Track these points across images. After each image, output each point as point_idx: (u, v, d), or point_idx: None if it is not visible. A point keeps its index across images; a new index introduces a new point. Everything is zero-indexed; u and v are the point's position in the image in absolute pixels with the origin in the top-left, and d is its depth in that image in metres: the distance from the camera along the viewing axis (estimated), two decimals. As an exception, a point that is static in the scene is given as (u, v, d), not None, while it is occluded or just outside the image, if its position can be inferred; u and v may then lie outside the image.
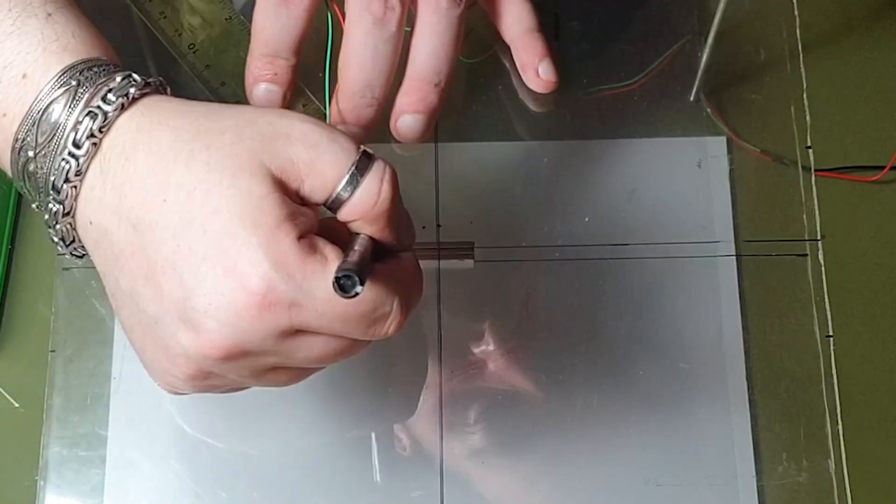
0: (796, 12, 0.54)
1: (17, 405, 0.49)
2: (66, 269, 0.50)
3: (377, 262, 0.34)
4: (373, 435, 0.48)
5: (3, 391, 0.49)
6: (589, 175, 0.51)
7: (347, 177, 0.33)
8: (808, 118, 0.52)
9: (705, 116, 0.52)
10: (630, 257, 0.50)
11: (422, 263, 0.49)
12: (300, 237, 0.32)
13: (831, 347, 0.49)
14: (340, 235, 0.34)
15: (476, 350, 0.49)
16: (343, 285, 0.30)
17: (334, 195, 0.33)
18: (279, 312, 0.31)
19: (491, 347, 0.49)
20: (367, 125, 0.43)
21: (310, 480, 0.47)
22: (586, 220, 0.51)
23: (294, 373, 0.36)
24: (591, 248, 0.50)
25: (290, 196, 0.32)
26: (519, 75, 0.51)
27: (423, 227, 0.50)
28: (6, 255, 0.50)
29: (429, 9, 0.43)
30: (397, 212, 0.34)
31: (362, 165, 0.33)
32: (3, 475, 0.48)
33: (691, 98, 0.53)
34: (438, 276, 0.50)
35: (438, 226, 0.50)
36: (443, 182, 0.51)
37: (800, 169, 0.52)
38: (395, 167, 0.51)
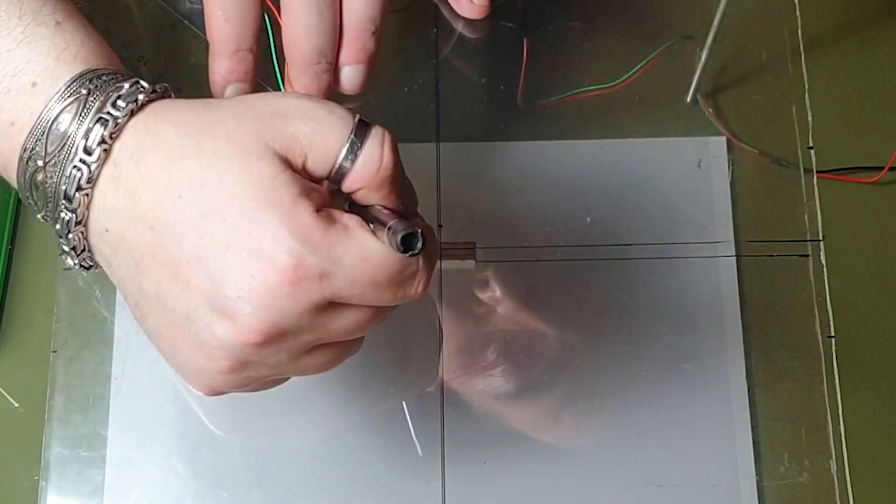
0: (798, 13, 0.54)
1: (17, 406, 0.49)
2: (67, 269, 0.49)
3: None
4: (373, 435, 0.48)
5: (3, 392, 0.49)
6: (590, 175, 0.51)
7: (348, 145, 0.33)
8: (809, 119, 0.53)
9: (705, 117, 0.52)
10: (631, 258, 0.50)
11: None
12: (318, 210, 0.32)
13: (833, 348, 0.49)
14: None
15: (477, 350, 0.49)
16: (408, 243, 0.31)
17: (337, 165, 0.33)
18: (311, 285, 0.32)
19: (492, 347, 0.49)
20: (326, 92, 0.43)
21: (310, 481, 0.47)
22: (587, 220, 0.51)
23: (332, 353, 0.36)
24: (592, 248, 0.50)
25: (298, 173, 0.33)
26: (450, 5, 0.51)
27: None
28: (6, 255, 0.50)
29: None
30: (400, 177, 0.35)
31: (361, 132, 0.33)
32: (5, 475, 0.48)
33: (691, 98, 0.53)
34: (440, 276, 0.50)
35: (440, 226, 0.50)
36: (444, 182, 0.51)
37: (801, 169, 0.52)
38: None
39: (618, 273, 0.50)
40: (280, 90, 0.44)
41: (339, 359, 0.37)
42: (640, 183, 0.51)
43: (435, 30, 0.53)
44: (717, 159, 0.52)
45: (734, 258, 0.50)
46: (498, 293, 0.50)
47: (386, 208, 0.34)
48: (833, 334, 0.49)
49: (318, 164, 0.33)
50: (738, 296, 0.50)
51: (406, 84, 0.53)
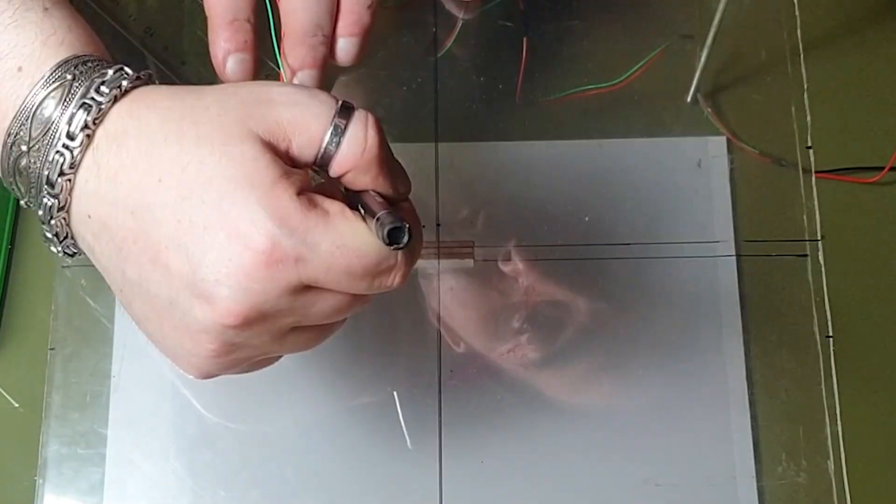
0: (797, 12, 0.54)
1: (16, 405, 0.49)
2: (66, 267, 0.50)
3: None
4: (372, 436, 0.48)
5: (2, 390, 0.49)
6: (589, 175, 0.51)
7: (332, 128, 0.33)
8: (808, 118, 0.52)
9: (705, 117, 0.52)
10: (630, 257, 0.50)
11: (422, 263, 0.50)
12: (298, 193, 0.32)
13: (831, 348, 0.49)
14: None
15: (475, 349, 0.49)
16: (394, 237, 0.31)
17: (322, 149, 0.33)
18: (287, 268, 0.32)
19: (490, 347, 0.49)
20: (322, 65, 0.43)
21: (308, 479, 0.47)
22: (586, 219, 0.51)
23: (315, 332, 0.36)
24: (591, 247, 0.50)
25: (282, 158, 0.33)
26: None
27: (423, 227, 0.50)
28: (6, 254, 0.50)
29: None
30: (387, 158, 0.35)
31: (344, 115, 0.33)
32: (3, 474, 0.48)
33: (691, 98, 0.53)
34: (438, 275, 0.50)
35: (438, 225, 0.50)
36: (443, 182, 0.51)
37: (800, 169, 0.52)
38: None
39: (616, 272, 0.50)
40: (280, 68, 0.44)
41: (322, 337, 0.37)
42: (639, 182, 0.51)
43: (434, 29, 0.53)
44: (716, 159, 0.52)
45: (733, 258, 0.50)
46: (496, 292, 0.50)
47: (379, 195, 0.34)
48: (831, 334, 0.49)
49: (304, 149, 0.33)
50: (738, 295, 0.50)
51: (405, 84, 0.52)
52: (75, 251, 0.35)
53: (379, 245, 0.33)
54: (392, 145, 0.49)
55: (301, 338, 0.35)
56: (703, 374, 0.48)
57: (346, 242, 0.32)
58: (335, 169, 0.34)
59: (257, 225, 0.31)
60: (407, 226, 0.31)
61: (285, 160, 0.33)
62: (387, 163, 0.34)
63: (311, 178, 0.34)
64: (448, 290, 0.50)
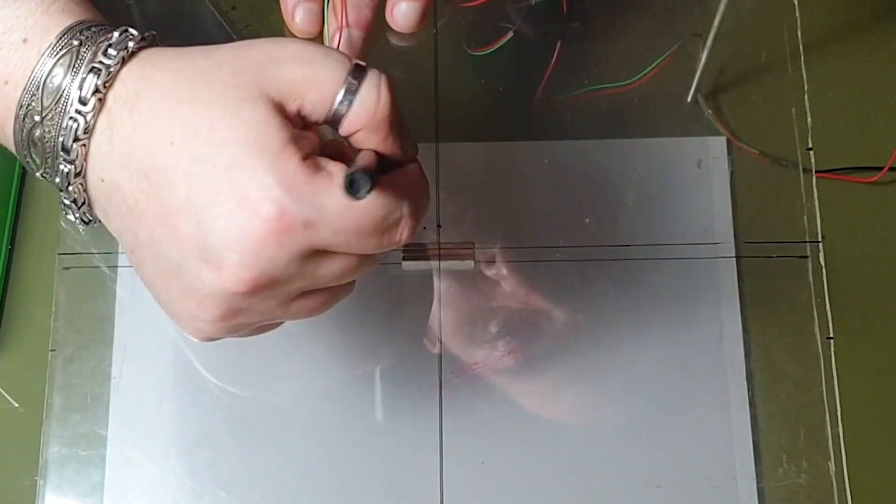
0: (797, 13, 0.54)
1: (17, 406, 0.49)
2: (67, 268, 0.50)
3: (383, 173, 0.34)
4: (371, 437, 0.48)
5: (3, 392, 0.49)
6: (589, 175, 0.51)
7: (344, 87, 0.33)
8: (808, 119, 0.52)
9: (705, 117, 0.52)
10: (630, 258, 0.50)
11: (422, 264, 0.50)
12: (305, 158, 0.32)
13: (832, 349, 0.49)
14: (344, 158, 0.34)
15: (476, 350, 0.49)
16: (354, 187, 0.31)
17: (334, 108, 0.33)
18: (296, 234, 0.32)
19: (491, 348, 0.49)
20: (366, 26, 0.43)
21: (309, 480, 0.47)
22: (586, 220, 0.51)
23: (322, 297, 0.36)
24: (591, 248, 0.50)
25: (292, 119, 0.33)
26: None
27: (424, 228, 0.50)
28: (6, 255, 0.50)
29: None
30: (397, 120, 0.35)
31: (357, 74, 0.33)
32: (3, 474, 0.48)
33: (691, 98, 0.53)
34: (439, 276, 0.50)
35: (439, 226, 0.50)
36: (443, 182, 0.51)
37: (800, 170, 0.52)
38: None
39: (617, 273, 0.50)
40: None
41: (329, 302, 0.37)
42: (639, 183, 0.51)
43: (434, 30, 0.53)
44: (716, 159, 0.52)
45: (734, 259, 0.50)
46: (497, 293, 0.50)
47: (378, 154, 0.34)
48: (832, 335, 0.49)
49: (315, 108, 0.33)
50: (738, 296, 0.50)
51: (405, 84, 0.52)
52: (91, 218, 0.36)
53: (383, 201, 0.33)
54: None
55: (309, 303, 0.36)
56: (703, 375, 0.48)
57: (351, 202, 0.32)
58: (345, 127, 0.34)
59: (266, 191, 0.31)
60: (371, 174, 0.31)
61: (295, 120, 0.33)
62: (396, 124, 0.34)
63: (322, 135, 0.35)
64: (449, 291, 0.50)
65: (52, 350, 0.49)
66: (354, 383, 0.48)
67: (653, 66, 0.53)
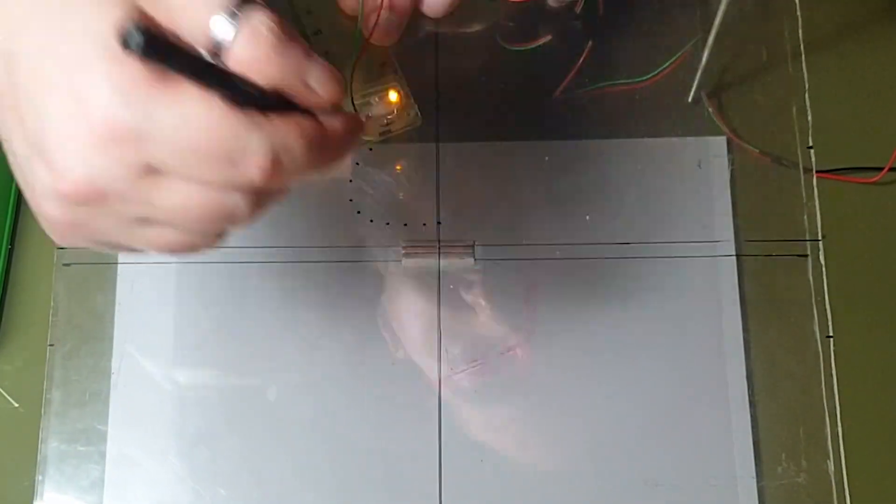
0: (798, 12, 0.54)
1: (16, 403, 0.49)
2: (66, 265, 0.50)
3: (270, 108, 0.31)
4: (371, 437, 0.48)
5: (1, 389, 0.49)
6: (589, 174, 0.51)
7: (223, 17, 0.30)
8: (809, 118, 0.52)
9: (706, 116, 0.52)
10: (630, 256, 0.50)
11: (423, 261, 0.50)
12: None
13: (831, 348, 0.49)
14: None
15: (476, 348, 0.49)
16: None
17: (212, 39, 0.30)
18: (127, 145, 0.29)
19: (491, 346, 0.49)
20: (402, 10, 0.44)
21: (308, 478, 0.47)
22: (587, 218, 0.51)
23: (168, 234, 0.33)
24: (592, 246, 0.50)
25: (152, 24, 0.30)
26: None
27: (424, 225, 0.50)
28: (6, 253, 0.50)
29: None
30: (288, 62, 0.31)
31: (240, 6, 0.30)
32: (3, 471, 0.48)
33: (692, 98, 0.53)
34: (439, 274, 0.50)
35: (439, 223, 0.50)
36: (443, 181, 0.51)
37: (801, 169, 0.52)
38: (396, 166, 0.52)
39: (617, 271, 0.50)
40: None
41: (181, 246, 0.34)
42: (640, 182, 0.51)
43: (435, 32, 0.53)
44: (717, 159, 0.52)
45: (734, 258, 0.50)
46: (497, 292, 0.50)
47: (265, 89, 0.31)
48: (832, 334, 0.49)
49: (192, 33, 0.30)
50: (738, 295, 0.50)
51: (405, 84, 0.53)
52: None
53: (229, 123, 0.29)
54: (392, 145, 0.50)
55: (157, 235, 0.33)
56: (703, 374, 0.48)
57: (189, 114, 0.29)
58: (231, 64, 0.31)
59: (100, 95, 0.29)
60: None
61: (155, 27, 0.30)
62: (286, 66, 0.31)
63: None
64: (449, 290, 0.50)
65: (51, 345, 0.49)
66: (354, 381, 0.48)
67: (666, 65, 0.53)
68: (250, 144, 0.30)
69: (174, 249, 0.34)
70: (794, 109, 0.53)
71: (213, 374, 0.49)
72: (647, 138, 0.52)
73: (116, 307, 0.49)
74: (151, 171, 0.30)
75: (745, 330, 0.49)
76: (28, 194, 0.33)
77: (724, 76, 0.53)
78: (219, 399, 0.48)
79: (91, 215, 0.32)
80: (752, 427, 0.48)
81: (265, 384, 0.48)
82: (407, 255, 0.50)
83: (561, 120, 0.52)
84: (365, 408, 0.48)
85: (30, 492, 0.47)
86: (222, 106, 0.30)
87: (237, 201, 0.32)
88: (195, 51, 0.31)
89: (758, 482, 0.47)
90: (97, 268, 0.50)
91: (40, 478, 0.47)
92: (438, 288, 0.50)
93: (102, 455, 0.47)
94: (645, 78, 0.53)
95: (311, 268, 0.50)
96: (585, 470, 0.47)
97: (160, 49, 0.29)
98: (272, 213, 0.49)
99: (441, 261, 0.50)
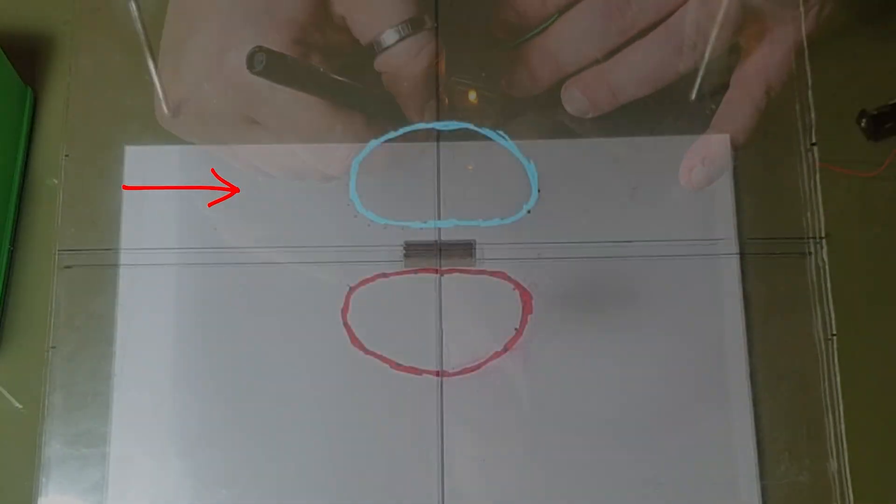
0: (801, 8, 0.54)
1: (17, 404, 0.49)
2: (67, 267, 0.50)
3: None
4: (371, 437, 0.48)
5: (3, 390, 0.49)
6: (590, 174, 0.51)
7: (396, 28, 0.38)
8: (812, 115, 0.52)
9: (708, 114, 0.52)
10: (631, 256, 0.50)
11: (422, 262, 0.49)
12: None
13: (834, 347, 0.49)
14: None
15: (476, 349, 0.49)
16: (250, 61, 0.40)
17: (376, 38, 0.39)
18: None
19: (491, 347, 0.49)
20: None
21: (309, 479, 0.47)
22: (587, 217, 0.51)
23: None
24: (593, 246, 0.50)
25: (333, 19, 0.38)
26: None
27: (425, 225, 0.50)
28: (7, 255, 0.50)
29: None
30: (417, 87, 0.39)
31: (415, 25, 0.38)
32: (4, 473, 0.48)
33: (693, 96, 0.52)
34: (439, 275, 0.50)
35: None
36: (443, 181, 0.51)
37: (804, 167, 0.51)
38: (396, 166, 0.52)
39: (618, 270, 0.50)
40: None
41: None
42: (641, 181, 0.51)
43: (435, 27, 0.53)
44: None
45: (735, 256, 0.50)
46: (497, 292, 0.50)
47: None
48: (834, 333, 0.49)
49: (362, 28, 0.43)
50: (740, 294, 0.49)
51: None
52: None
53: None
54: (393, 145, 0.50)
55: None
56: (703, 374, 0.48)
57: None
58: (378, 62, 0.38)
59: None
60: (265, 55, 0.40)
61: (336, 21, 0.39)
62: (412, 88, 0.40)
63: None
64: (448, 290, 0.50)
65: (53, 347, 0.49)
66: (354, 381, 0.49)
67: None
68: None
69: None
70: (798, 106, 0.52)
71: (215, 375, 0.49)
72: (648, 136, 0.52)
73: (117, 309, 0.49)
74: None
75: (747, 329, 0.49)
76: None
77: (726, 74, 0.53)
78: (220, 400, 0.48)
79: None
80: (754, 426, 0.48)
81: (266, 385, 0.49)
82: (407, 255, 0.50)
83: (561, 119, 0.52)
84: (365, 408, 0.48)
85: (31, 491, 0.47)
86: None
87: None
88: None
89: (760, 481, 0.47)
90: (98, 270, 0.50)
91: (43, 480, 0.47)
92: (439, 289, 0.49)
93: (104, 457, 0.47)
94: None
95: (310, 268, 0.50)
96: (586, 470, 0.47)
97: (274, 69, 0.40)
98: (272, 213, 0.49)
99: (441, 262, 0.50)
